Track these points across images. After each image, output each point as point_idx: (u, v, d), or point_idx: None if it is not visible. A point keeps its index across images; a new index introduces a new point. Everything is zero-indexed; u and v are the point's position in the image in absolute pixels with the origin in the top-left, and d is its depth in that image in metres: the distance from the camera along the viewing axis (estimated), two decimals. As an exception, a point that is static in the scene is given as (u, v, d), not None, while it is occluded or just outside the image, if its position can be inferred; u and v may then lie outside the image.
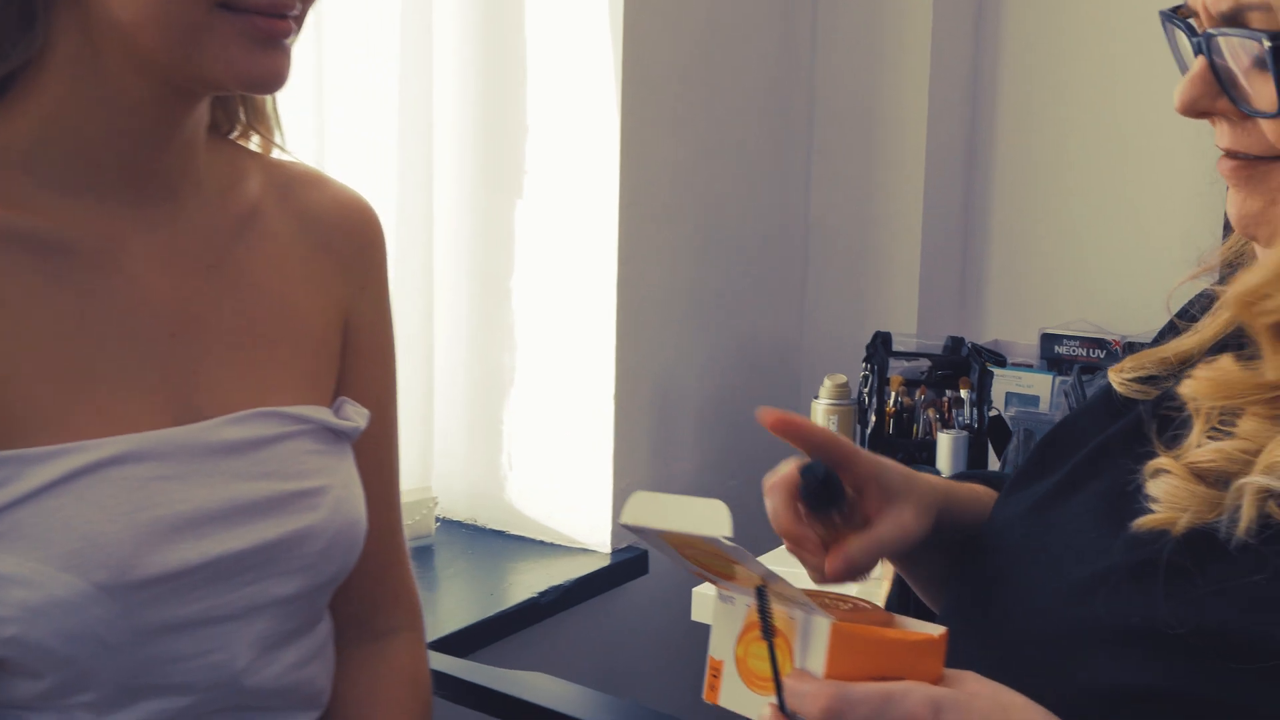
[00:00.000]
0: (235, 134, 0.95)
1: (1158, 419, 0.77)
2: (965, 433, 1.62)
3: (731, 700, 0.68)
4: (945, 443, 1.60)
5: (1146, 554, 0.71)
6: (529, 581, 1.64)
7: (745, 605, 0.67)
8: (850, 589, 0.76)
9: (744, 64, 1.90)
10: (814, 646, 0.63)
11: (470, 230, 1.77)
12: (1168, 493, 0.72)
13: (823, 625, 0.63)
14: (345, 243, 0.97)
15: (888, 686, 0.62)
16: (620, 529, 1.75)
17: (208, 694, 0.85)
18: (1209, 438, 0.72)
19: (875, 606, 0.71)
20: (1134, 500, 0.74)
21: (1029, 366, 2.04)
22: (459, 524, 1.83)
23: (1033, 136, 2.05)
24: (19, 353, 0.80)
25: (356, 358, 0.98)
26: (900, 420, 1.68)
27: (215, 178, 0.90)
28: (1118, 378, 0.82)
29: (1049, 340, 2.04)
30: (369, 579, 0.99)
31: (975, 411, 1.66)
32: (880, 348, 1.70)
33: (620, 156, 1.68)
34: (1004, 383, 1.96)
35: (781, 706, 0.63)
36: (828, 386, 1.65)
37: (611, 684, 1.80)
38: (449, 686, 1.18)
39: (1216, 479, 0.71)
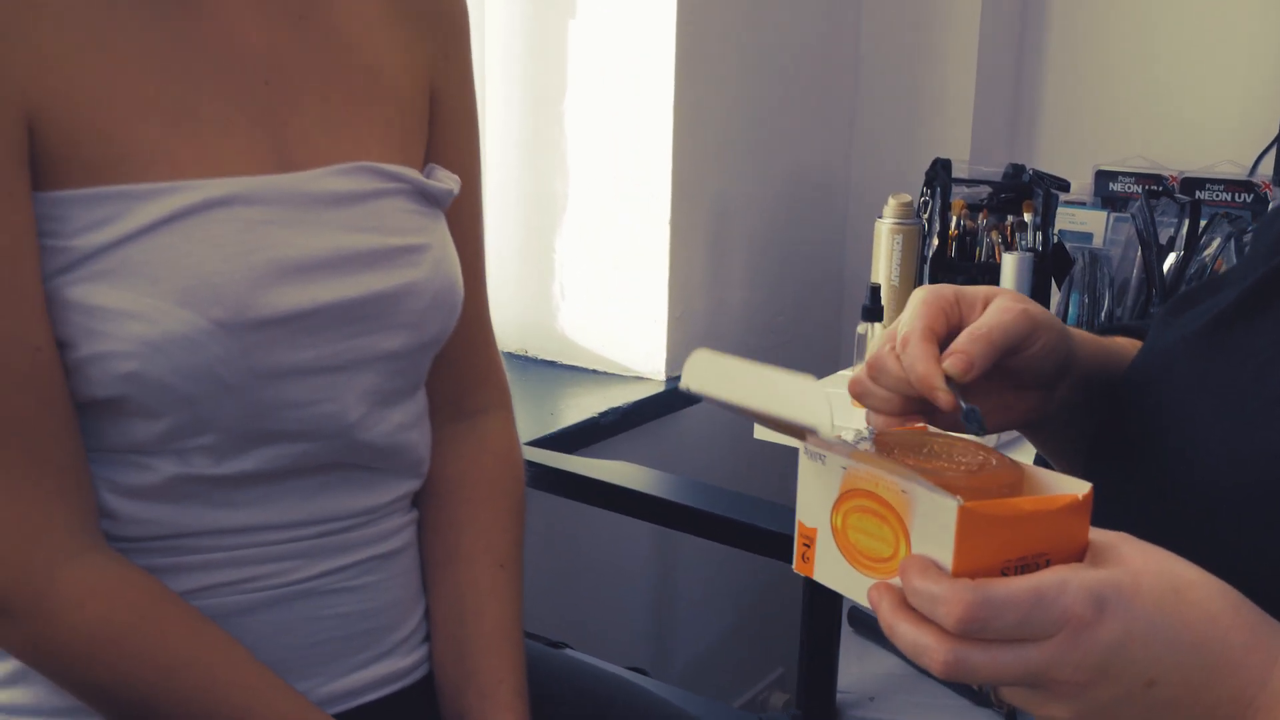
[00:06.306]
0: None
1: None
2: (1030, 254, 1.58)
3: (828, 575, 0.59)
4: (1010, 263, 1.57)
5: None
6: (586, 404, 1.63)
7: (840, 467, 0.58)
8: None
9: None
10: (936, 531, 0.53)
11: (522, 51, 1.73)
12: None
13: (948, 508, 0.52)
14: (428, 7, 0.94)
15: (1038, 582, 0.52)
16: (677, 355, 1.74)
17: (321, 444, 0.83)
18: None
19: (991, 452, 0.59)
20: None
21: (1082, 204, 2.01)
22: (509, 355, 1.82)
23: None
24: (119, 89, 0.77)
25: (443, 126, 0.95)
26: (963, 244, 1.65)
27: None
28: None
29: (1103, 177, 2.01)
30: (460, 356, 0.98)
31: (1040, 235, 1.63)
32: (941, 171, 1.67)
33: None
34: (1056, 219, 1.93)
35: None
36: (892, 205, 1.61)
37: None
38: (538, 475, 1.17)
39: None
